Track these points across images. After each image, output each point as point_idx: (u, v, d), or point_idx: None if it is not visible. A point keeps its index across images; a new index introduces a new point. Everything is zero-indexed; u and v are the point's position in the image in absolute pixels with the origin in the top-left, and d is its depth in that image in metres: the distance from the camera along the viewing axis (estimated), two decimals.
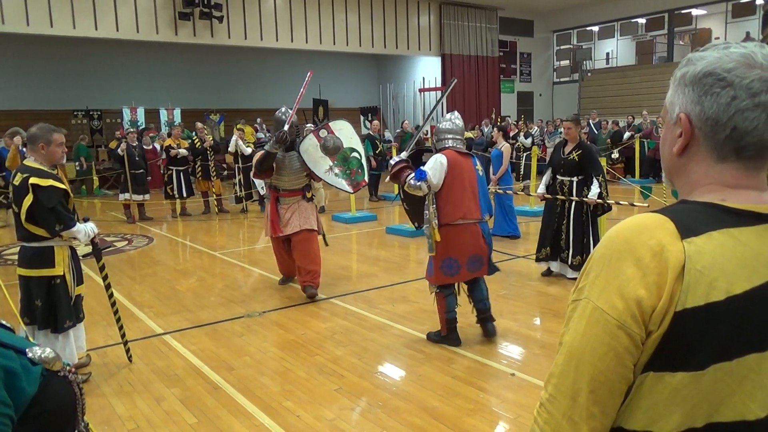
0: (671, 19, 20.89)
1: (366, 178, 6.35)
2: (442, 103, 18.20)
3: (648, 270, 0.88)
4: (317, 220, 6.04)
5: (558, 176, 6.18)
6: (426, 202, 4.39)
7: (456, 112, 4.75)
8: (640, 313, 0.87)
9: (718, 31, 20.41)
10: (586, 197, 5.95)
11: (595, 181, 5.93)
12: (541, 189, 6.36)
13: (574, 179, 6.06)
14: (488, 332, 4.60)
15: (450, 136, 4.49)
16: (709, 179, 0.96)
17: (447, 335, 4.53)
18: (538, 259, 6.41)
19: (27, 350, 1.28)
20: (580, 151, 6.01)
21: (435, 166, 4.29)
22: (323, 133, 6.04)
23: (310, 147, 5.97)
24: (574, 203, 6.05)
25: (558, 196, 6.13)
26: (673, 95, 1.00)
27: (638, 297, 0.87)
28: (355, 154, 6.19)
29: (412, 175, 4.32)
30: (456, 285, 4.61)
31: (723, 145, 0.94)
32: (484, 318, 4.60)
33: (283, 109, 6.17)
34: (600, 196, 5.90)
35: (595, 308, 0.91)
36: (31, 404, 1.23)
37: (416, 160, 4.91)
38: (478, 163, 4.54)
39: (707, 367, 0.86)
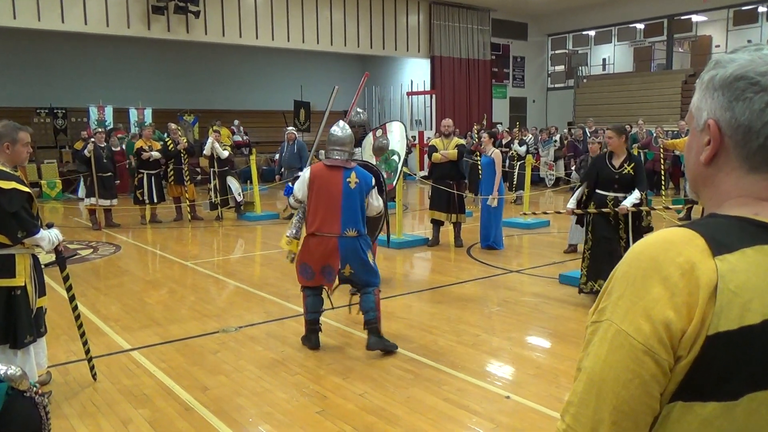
0: (670, 25, 21.24)
1: (394, 183, 6.95)
2: (431, 109, 18.20)
3: (677, 290, 0.85)
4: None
5: (611, 192, 5.85)
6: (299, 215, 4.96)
7: (342, 122, 5.04)
8: (669, 337, 0.85)
9: (718, 39, 20.79)
10: (618, 207, 5.70)
11: (636, 192, 5.73)
12: (572, 204, 6.07)
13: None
14: (368, 344, 4.70)
15: (337, 148, 4.75)
16: (740, 191, 0.94)
17: (306, 335, 4.87)
18: (592, 291, 5.92)
19: None
20: (633, 164, 5.83)
21: (300, 181, 4.77)
22: (379, 132, 6.52)
23: (366, 144, 6.42)
24: (631, 222, 5.75)
25: (590, 210, 5.90)
26: (701, 100, 0.98)
27: (666, 319, 0.85)
28: (395, 157, 6.69)
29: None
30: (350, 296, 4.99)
31: (755, 154, 0.92)
32: (369, 329, 4.71)
33: (360, 110, 6.78)
34: (637, 206, 5.72)
35: (618, 331, 0.88)
36: None
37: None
38: (353, 176, 4.67)
39: (741, 397, 0.84)
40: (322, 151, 6.97)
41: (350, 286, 5.02)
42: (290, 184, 4.85)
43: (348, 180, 4.65)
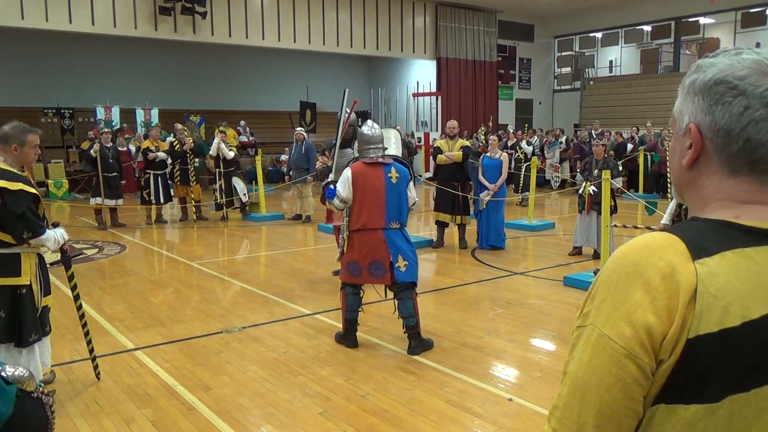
0: (678, 27, 21.18)
1: None
2: (437, 110, 18.15)
3: (657, 294, 0.87)
4: None
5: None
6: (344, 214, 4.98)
7: (371, 121, 5.15)
8: (650, 341, 0.86)
9: (726, 41, 20.72)
10: None
11: None
12: (666, 219, 5.50)
13: None
14: (410, 348, 4.78)
15: (371, 146, 4.88)
16: (722, 194, 0.95)
17: (344, 335, 4.96)
18: None
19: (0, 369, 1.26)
20: None
21: (342, 181, 4.85)
22: None
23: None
24: None
25: None
26: (682, 104, 0.99)
27: (647, 323, 0.86)
28: None
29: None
30: (385, 291, 5.01)
31: (736, 157, 0.93)
32: (410, 334, 4.82)
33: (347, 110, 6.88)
34: None
35: (601, 335, 0.90)
36: (5, 427, 1.20)
37: None
38: (393, 171, 4.83)
39: (723, 399, 0.86)
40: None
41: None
42: (332, 187, 4.93)
43: (389, 175, 4.82)
